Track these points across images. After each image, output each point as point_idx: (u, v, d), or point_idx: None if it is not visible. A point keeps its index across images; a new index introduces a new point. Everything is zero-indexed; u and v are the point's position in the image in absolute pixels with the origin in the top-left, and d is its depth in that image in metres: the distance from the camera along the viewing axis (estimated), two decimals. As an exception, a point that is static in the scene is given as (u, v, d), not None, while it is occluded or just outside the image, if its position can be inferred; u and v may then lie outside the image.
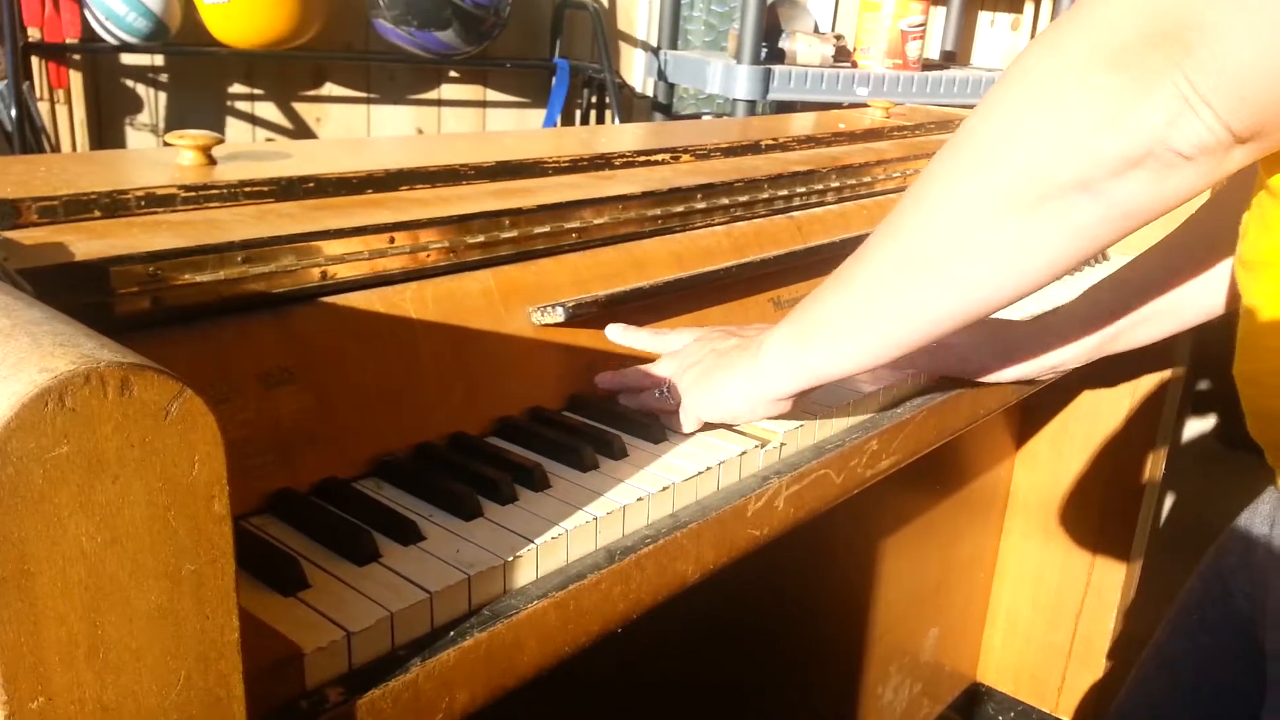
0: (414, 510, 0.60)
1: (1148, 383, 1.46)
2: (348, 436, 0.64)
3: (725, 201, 0.94)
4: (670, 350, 0.77)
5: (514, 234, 0.76)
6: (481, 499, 0.61)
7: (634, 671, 0.92)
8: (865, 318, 0.62)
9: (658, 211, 0.87)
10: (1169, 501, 2.09)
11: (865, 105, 1.51)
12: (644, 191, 0.86)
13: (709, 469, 0.68)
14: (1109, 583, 1.62)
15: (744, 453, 0.70)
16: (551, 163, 0.89)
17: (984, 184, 0.54)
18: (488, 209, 0.75)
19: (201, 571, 0.38)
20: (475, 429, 0.70)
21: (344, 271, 0.67)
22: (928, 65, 2.49)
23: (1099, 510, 1.60)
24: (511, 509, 0.61)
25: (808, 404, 0.75)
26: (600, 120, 2.53)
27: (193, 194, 0.68)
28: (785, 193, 1.01)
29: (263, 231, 0.64)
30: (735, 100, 2.11)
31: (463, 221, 0.73)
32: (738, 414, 0.71)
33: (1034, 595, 1.70)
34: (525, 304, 0.75)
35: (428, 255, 0.71)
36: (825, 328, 0.64)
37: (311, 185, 0.72)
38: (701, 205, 0.92)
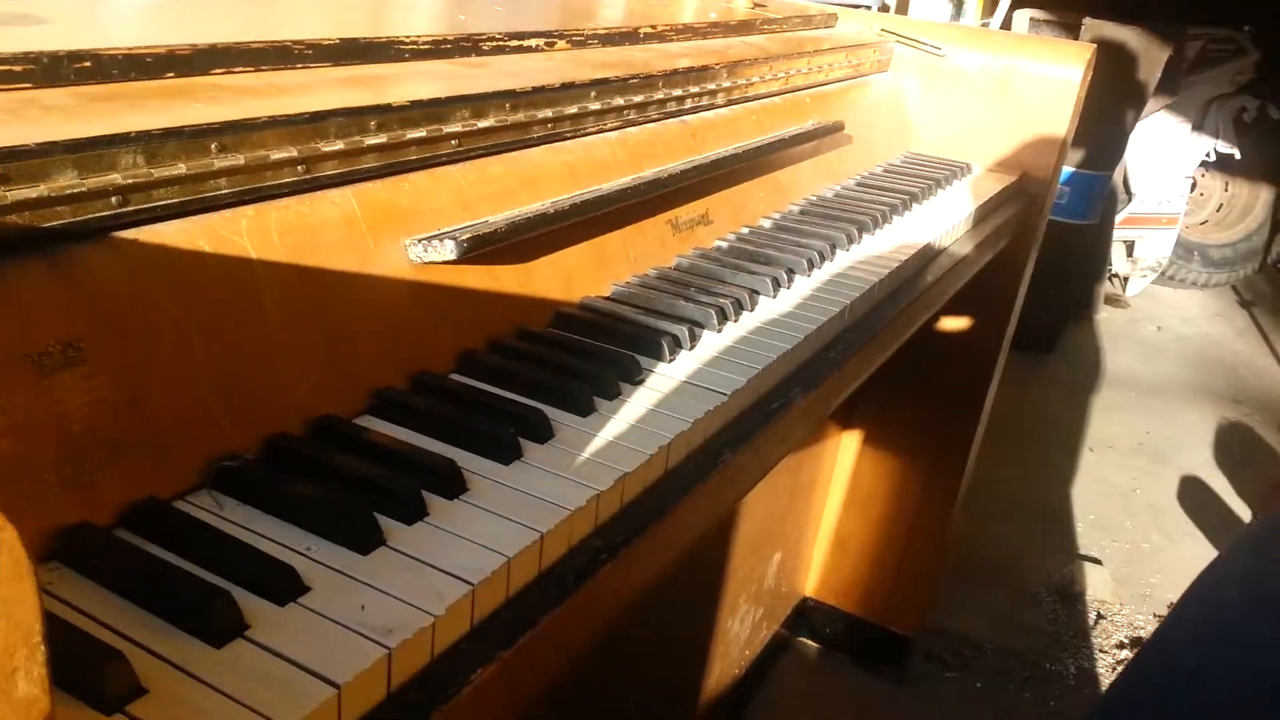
0: (282, 542, 0.42)
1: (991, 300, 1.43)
2: (168, 436, 0.44)
3: (620, 101, 0.77)
4: None
5: (381, 139, 0.56)
6: (380, 517, 0.44)
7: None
8: None
9: (549, 113, 0.69)
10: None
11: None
12: (535, 87, 0.68)
13: (658, 450, 0.53)
14: (940, 497, 1.62)
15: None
16: (408, 43, 0.68)
17: None
18: (344, 105, 0.55)
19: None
20: (346, 408, 0.52)
21: (150, 196, 0.46)
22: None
23: (935, 427, 1.58)
24: (421, 530, 0.45)
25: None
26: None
27: (-105, 71, 0.45)
28: (679, 92, 0.85)
29: (22, 137, 0.42)
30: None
31: (315, 122, 0.53)
32: None
33: (865, 512, 1.68)
34: (400, 235, 0.57)
35: (267, 169, 0.51)
36: None
37: (87, 65, 0.50)
38: (595, 106, 0.74)
